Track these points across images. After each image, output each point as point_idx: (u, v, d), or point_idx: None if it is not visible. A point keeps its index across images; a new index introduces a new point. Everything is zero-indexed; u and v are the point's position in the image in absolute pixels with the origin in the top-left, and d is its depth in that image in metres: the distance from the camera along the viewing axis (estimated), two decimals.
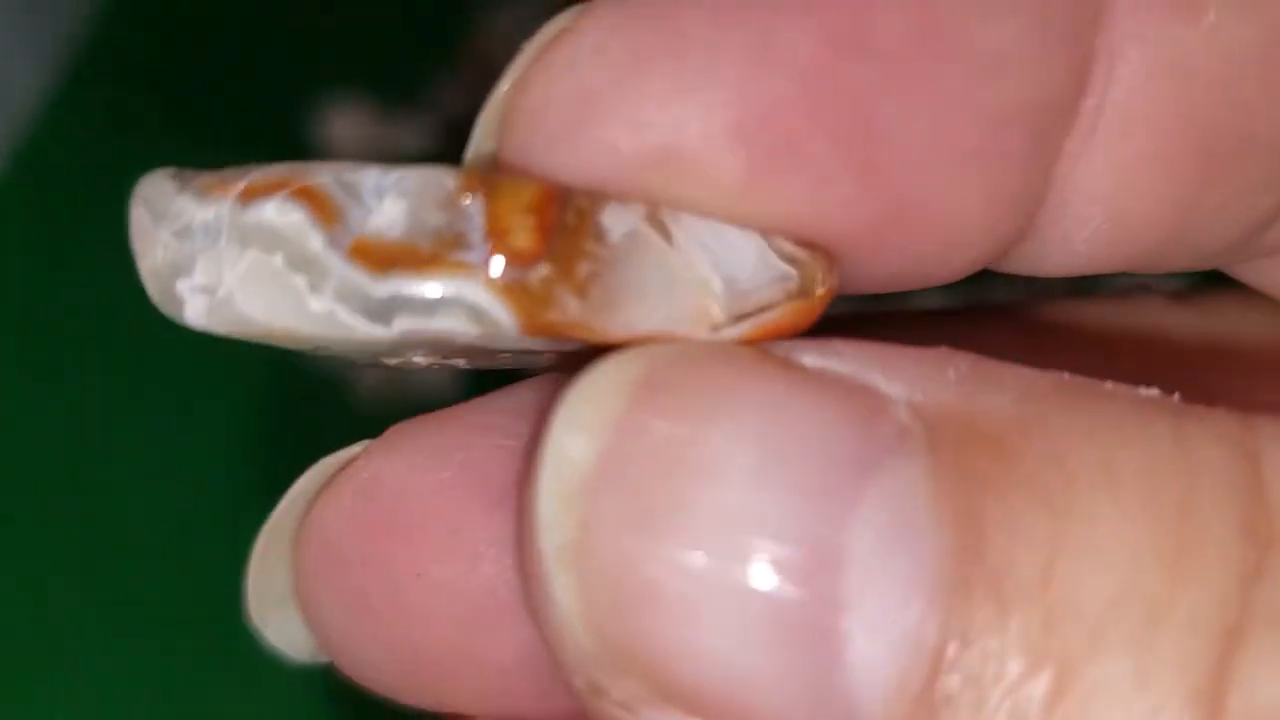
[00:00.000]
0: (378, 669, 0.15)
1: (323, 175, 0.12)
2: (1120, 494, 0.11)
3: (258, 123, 0.70)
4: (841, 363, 0.12)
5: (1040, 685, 0.10)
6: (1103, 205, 0.14)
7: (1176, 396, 0.12)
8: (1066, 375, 0.12)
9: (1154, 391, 0.12)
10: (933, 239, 0.13)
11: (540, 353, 0.13)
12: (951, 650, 0.10)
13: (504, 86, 0.13)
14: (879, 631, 0.10)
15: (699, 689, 0.11)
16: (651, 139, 0.12)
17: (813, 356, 0.12)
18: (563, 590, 0.11)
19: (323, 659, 0.16)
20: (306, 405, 0.59)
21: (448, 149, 0.70)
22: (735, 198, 0.12)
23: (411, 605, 0.14)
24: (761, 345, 0.12)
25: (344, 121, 0.70)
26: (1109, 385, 0.12)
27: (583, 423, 0.11)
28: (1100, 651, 0.10)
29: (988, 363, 0.12)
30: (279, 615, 0.15)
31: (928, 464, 0.11)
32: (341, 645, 0.15)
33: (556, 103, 0.12)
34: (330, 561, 0.15)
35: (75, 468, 0.57)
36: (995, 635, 0.10)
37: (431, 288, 0.11)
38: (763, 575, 0.11)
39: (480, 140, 0.13)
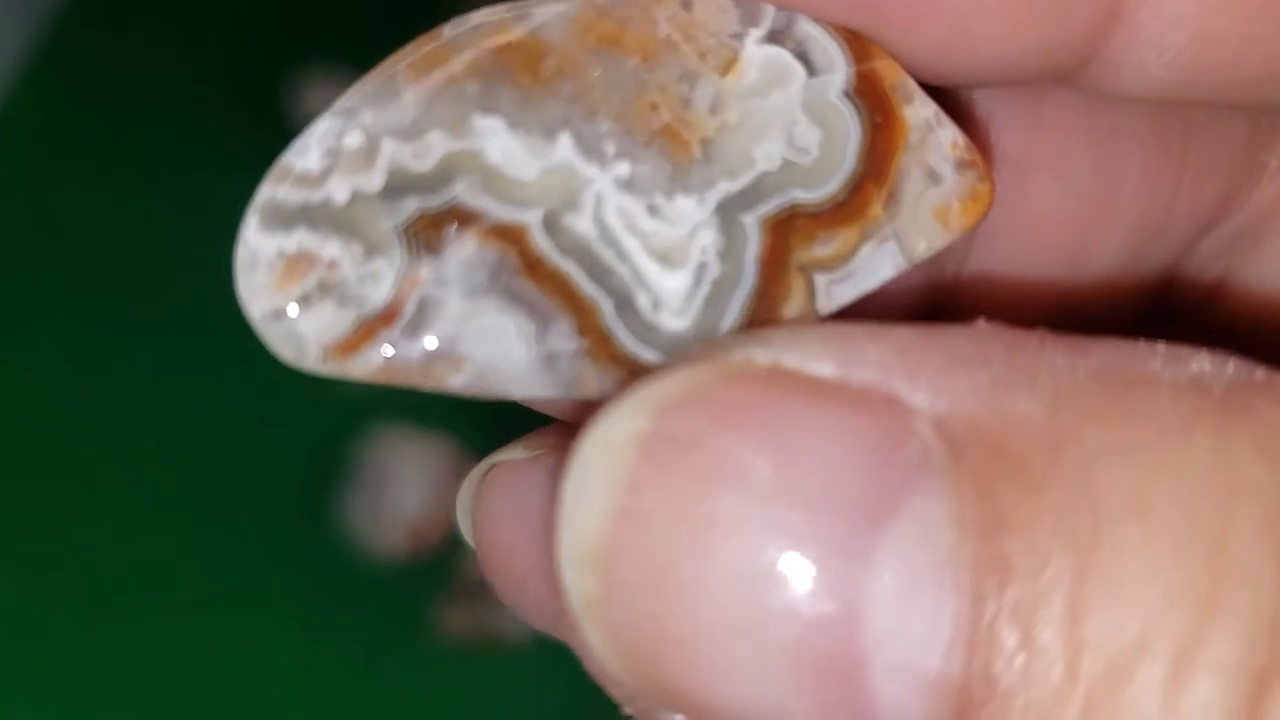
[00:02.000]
0: None
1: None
2: (1150, 525, 0.10)
3: (236, 92, 0.70)
4: (864, 369, 0.11)
5: None
6: (1186, 30, 0.13)
7: (1231, 365, 0.11)
8: (1111, 352, 0.11)
9: (1205, 364, 0.11)
10: (940, 32, 0.12)
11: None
12: (978, 691, 0.10)
13: None
14: (904, 677, 0.10)
15: None
16: None
17: (832, 365, 0.11)
18: (595, 640, 0.11)
19: None
20: (289, 377, 0.58)
21: None
22: None
23: None
24: (779, 357, 0.11)
25: (322, 95, 0.69)
26: (1157, 362, 0.11)
27: (592, 486, 0.11)
28: (1125, 696, 0.10)
29: (1025, 348, 0.11)
30: None
31: (949, 503, 0.10)
32: None
33: None
34: None
35: (56, 437, 0.56)
36: (1020, 677, 0.10)
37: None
38: (785, 627, 0.10)
39: None
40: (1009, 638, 0.10)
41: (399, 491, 0.52)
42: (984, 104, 0.15)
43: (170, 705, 0.50)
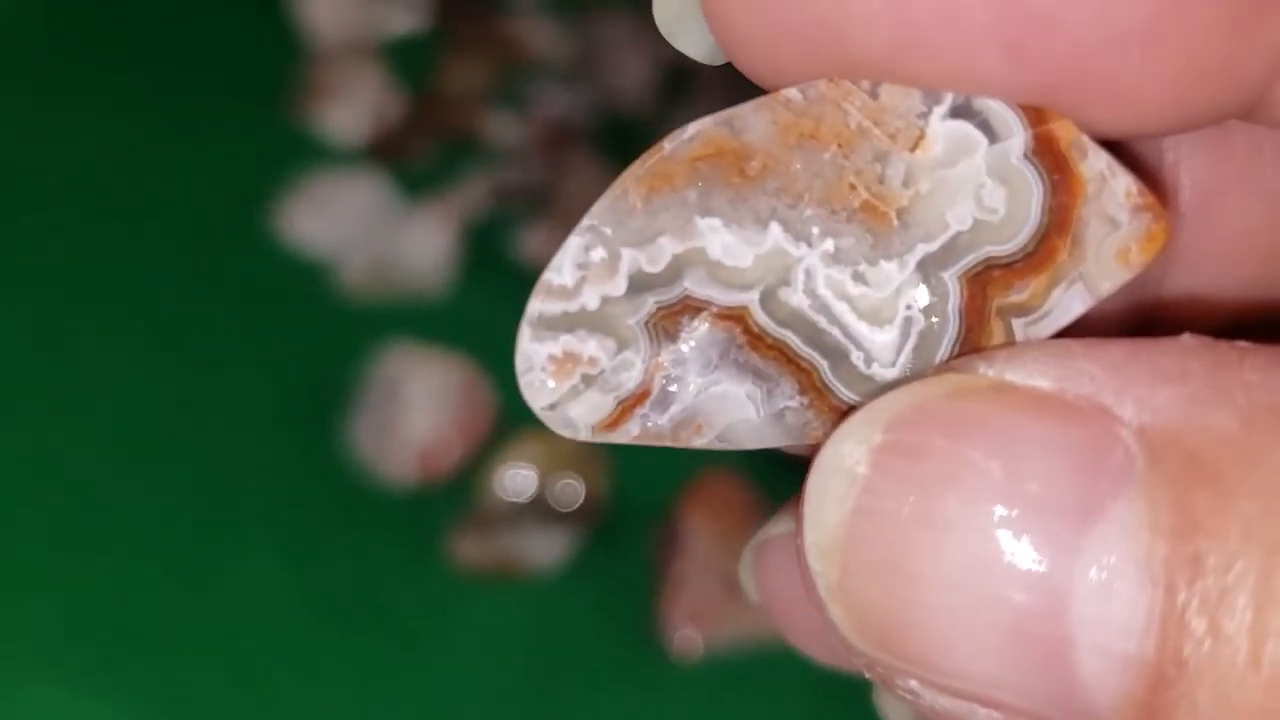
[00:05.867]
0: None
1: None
2: None
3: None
4: (1079, 382, 0.13)
5: None
6: None
7: None
8: None
9: None
10: (1109, 107, 0.13)
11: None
12: (1169, 670, 0.12)
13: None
14: (1105, 656, 0.12)
15: (964, 689, 0.13)
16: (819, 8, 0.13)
17: (1050, 380, 0.13)
18: (837, 619, 0.13)
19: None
20: (291, 291, 0.56)
21: (439, 32, 0.67)
22: (886, 63, 0.13)
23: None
24: (1003, 372, 0.13)
25: (325, 4, 0.66)
26: None
27: (831, 488, 0.13)
28: None
29: (1225, 365, 0.12)
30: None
31: (1146, 506, 0.12)
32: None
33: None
34: None
35: (41, 353, 0.54)
36: (1208, 660, 0.12)
37: None
38: (1003, 611, 0.12)
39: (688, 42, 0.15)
40: (1198, 626, 0.12)
41: (409, 412, 0.50)
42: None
43: (163, 636, 0.48)
